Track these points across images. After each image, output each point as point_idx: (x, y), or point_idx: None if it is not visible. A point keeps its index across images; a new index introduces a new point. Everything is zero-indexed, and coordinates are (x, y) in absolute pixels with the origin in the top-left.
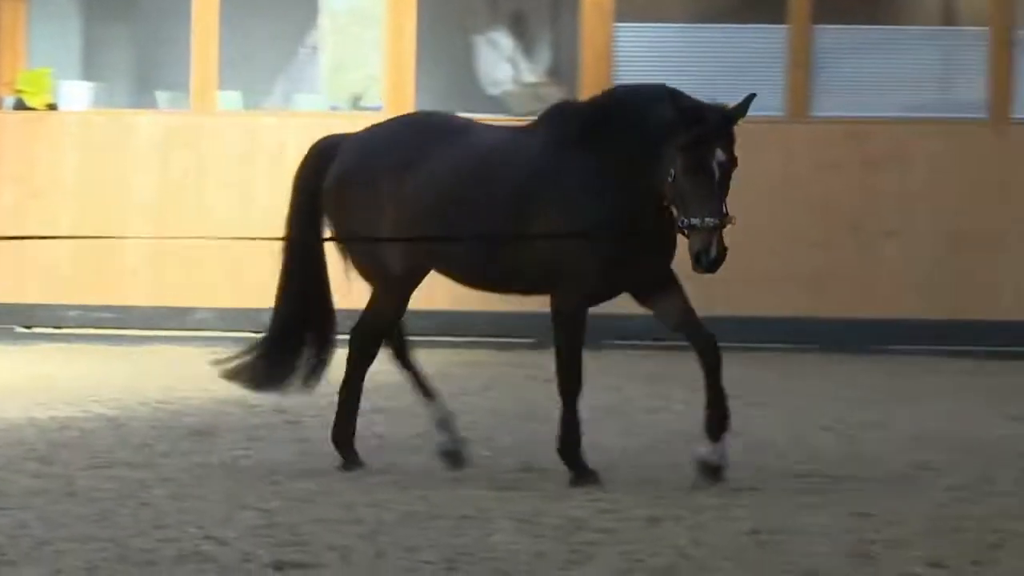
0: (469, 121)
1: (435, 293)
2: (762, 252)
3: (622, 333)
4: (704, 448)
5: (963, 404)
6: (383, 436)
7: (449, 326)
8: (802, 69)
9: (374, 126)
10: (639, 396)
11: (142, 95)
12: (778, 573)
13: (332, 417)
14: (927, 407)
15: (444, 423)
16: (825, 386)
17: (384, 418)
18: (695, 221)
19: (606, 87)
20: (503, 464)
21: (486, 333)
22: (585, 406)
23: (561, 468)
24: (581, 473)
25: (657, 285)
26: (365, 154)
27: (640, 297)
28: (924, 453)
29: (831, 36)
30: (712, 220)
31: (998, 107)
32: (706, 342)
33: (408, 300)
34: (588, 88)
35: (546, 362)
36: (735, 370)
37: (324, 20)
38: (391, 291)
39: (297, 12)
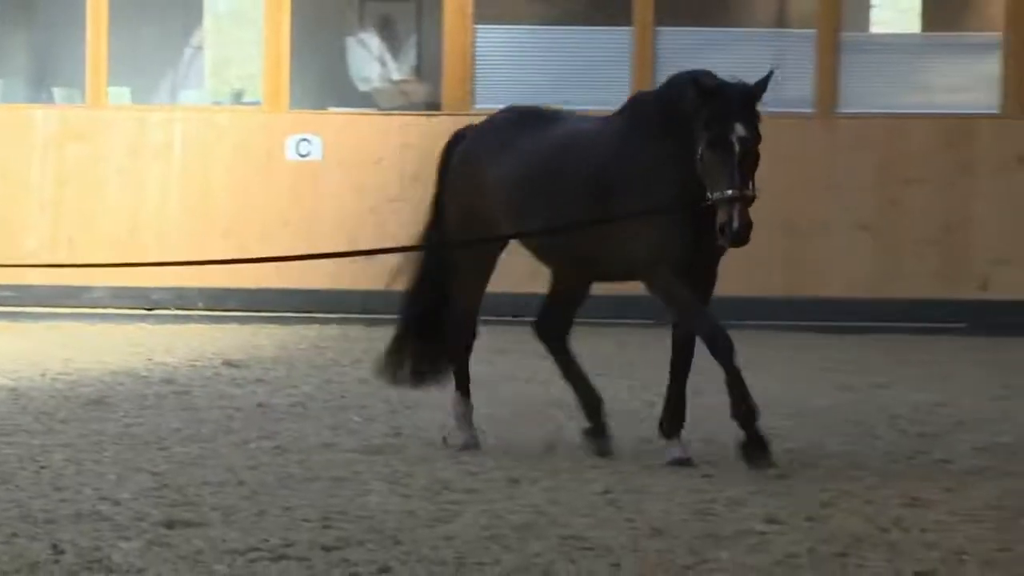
0: (565, 112)
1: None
2: None
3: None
4: (673, 449)
5: (797, 374)
6: (264, 405)
7: (325, 303)
8: (646, 68)
9: (490, 117)
10: (502, 367)
11: (40, 91)
12: (627, 529)
13: (218, 387)
14: (765, 377)
15: (464, 419)
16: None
17: (264, 388)
18: (716, 194)
19: (465, 84)
20: (374, 430)
21: (359, 310)
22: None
23: (426, 434)
24: (756, 442)
25: (703, 268)
26: (473, 141)
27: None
28: (762, 419)
29: (672, 37)
30: (733, 192)
31: (824, 103)
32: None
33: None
34: (450, 85)
35: None
36: (590, 344)
37: (207, 21)
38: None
39: (182, 14)
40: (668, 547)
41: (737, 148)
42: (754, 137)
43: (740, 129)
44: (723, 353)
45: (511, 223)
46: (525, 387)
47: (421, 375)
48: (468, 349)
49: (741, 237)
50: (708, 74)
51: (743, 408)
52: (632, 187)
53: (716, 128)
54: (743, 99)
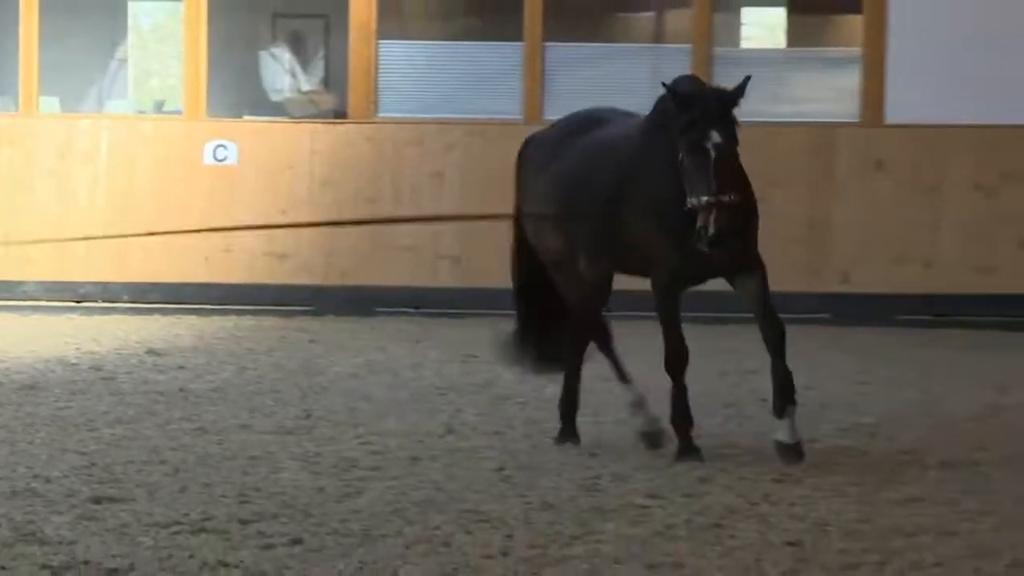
0: (616, 115)
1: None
2: None
3: (388, 302)
4: (780, 431)
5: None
6: (185, 389)
7: (241, 297)
8: (535, 80)
9: (555, 122)
10: (403, 355)
11: None
12: (519, 504)
13: (142, 374)
14: (651, 364)
15: (639, 405)
16: None
17: (185, 374)
18: (694, 200)
19: (369, 95)
20: (287, 412)
21: (272, 303)
22: (358, 363)
23: (334, 416)
24: (687, 448)
25: (738, 268)
26: (529, 147)
27: (728, 279)
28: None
29: (559, 52)
30: (709, 198)
31: None
32: (771, 328)
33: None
34: (355, 95)
35: (321, 327)
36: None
37: (132, 36)
38: (555, 271)
39: (109, 29)
40: (557, 519)
41: (713, 154)
42: (729, 143)
43: (716, 136)
44: (675, 369)
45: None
46: (418, 373)
47: (546, 363)
48: (602, 340)
49: (718, 242)
50: (692, 80)
51: (679, 418)
52: (639, 184)
53: (693, 135)
54: (719, 106)
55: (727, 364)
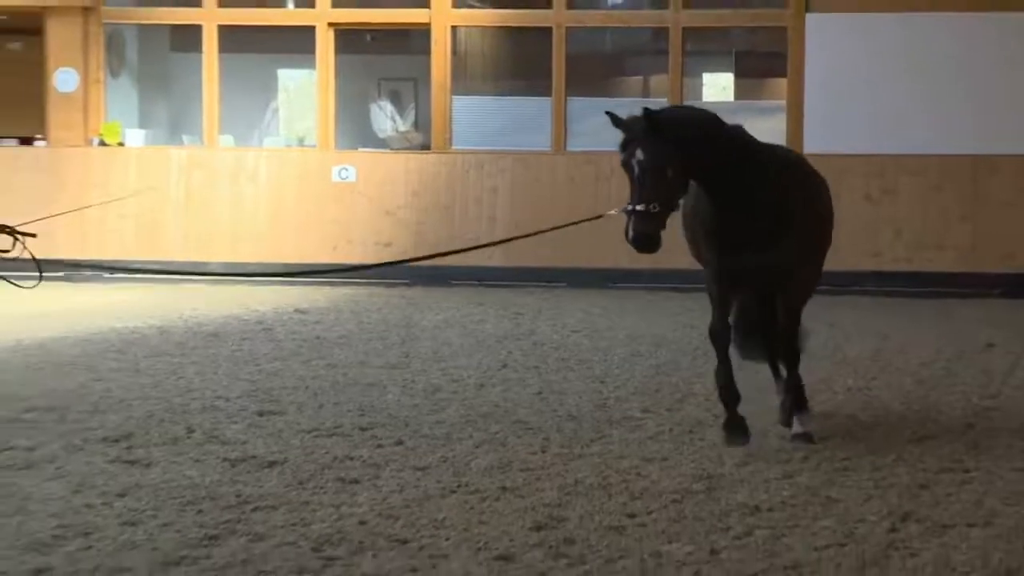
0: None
1: (352, 253)
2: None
3: (461, 276)
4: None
5: (652, 319)
6: (320, 337)
7: (358, 273)
8: (560, 123)
9: None
10: (471, 313)
11: (173, 138)
12: (552, 417)
13: (292, 326)
14: (634, 320)
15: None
16: (579, 305)
17: (321, 326)
18: (626, 207)
19: (445, 133)
20: (391, 353)
21: (380, 277)
22: (440, 319)
23: (425, 355)
24: (731, 423)
25: (772, 273)
26: None
27: (767, 285)
28: (635, 345)
29: (577, 103)
30: (628, 207)
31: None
32: (785, 347)
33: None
34: (436, 134)
35: (414, 294)
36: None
37: (281, 93)
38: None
39: (266, 87)
40: (579, 427)
41: (636, 170)
42: (647, 159)
43: (639, 154)
44: (713, 343)
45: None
46: (484, 326)
47: (758, 355)
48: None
49: (637, 244)
50: (676, 107)
51: (722, 393)
52: (696, 200)
53: (623, 154)
54: (644, 129)
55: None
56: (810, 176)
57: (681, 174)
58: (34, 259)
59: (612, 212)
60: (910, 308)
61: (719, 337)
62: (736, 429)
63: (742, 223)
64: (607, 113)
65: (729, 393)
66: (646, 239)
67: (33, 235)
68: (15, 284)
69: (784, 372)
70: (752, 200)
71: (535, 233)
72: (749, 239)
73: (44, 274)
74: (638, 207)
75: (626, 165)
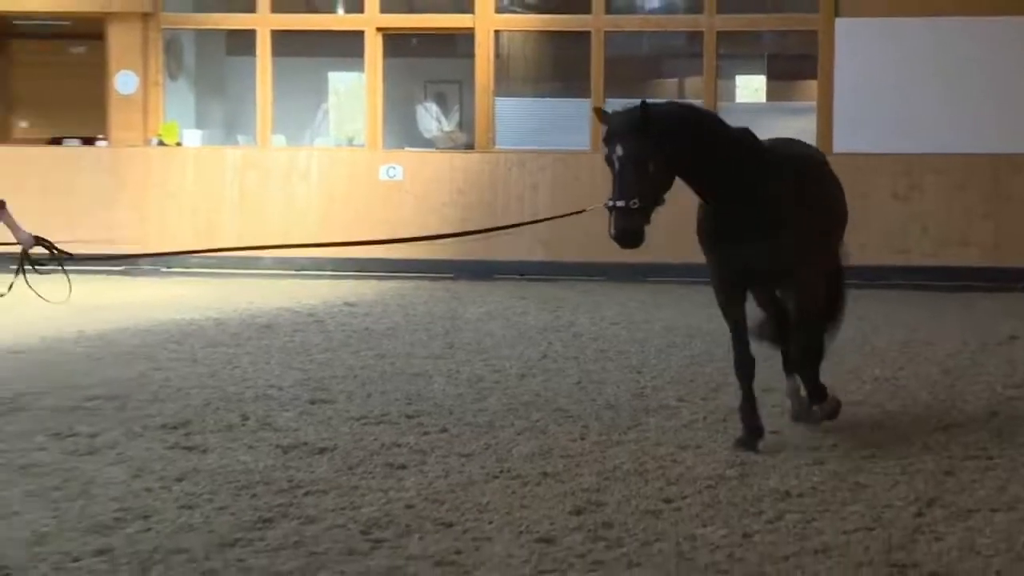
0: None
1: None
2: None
3: (503, 271)
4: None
5: (687, 311)
6: (369, 328)
7: (405, 267)
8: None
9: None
10: (513, 306)
11: (228, 138)
12: (592, 404)
13: (341, 318)
14: (670, 312)
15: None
16: (616, 298)
17: (369, 318)
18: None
19: (489, 133)
20: (436, 343)
21: (426, 272)
22: (483, 312)
23: (468, 346)
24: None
25: (773, 272)
26: None
27: (771, 283)
28: (671, 337)
29: (614, 105)
30: (608, 202)
31: None
32: (794, 343)
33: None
34: (480, 134)
35: (458, 288)
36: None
37: (331, 95)
38: None
39: (316, 90)
40: (617, 415)
41: (617, 165)
42: (628, 154)
43: (619, 149)
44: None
45: None
46: (526, 318)
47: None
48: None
49: (620, 240)
50: (673, 103)
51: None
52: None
53: (606, 149)
54: (625, 125)
55: None
56: (818, 175)
57: (665, 170)
58: (64, 271)
59: (591, 207)
60: (936, 302)
61: (742, 367)
62: (749, 441)
63: (738, 224)
64: (595, 109)
65: (752, 424)
66: (628, 235)
67: (70, 255)
68: (42, 297)
69: (797, 372)
70: (749, 201)
71: (498, 228)
72: (745, 240)
73: (110, 268)
74: (619, 203)
75: (608, 160)
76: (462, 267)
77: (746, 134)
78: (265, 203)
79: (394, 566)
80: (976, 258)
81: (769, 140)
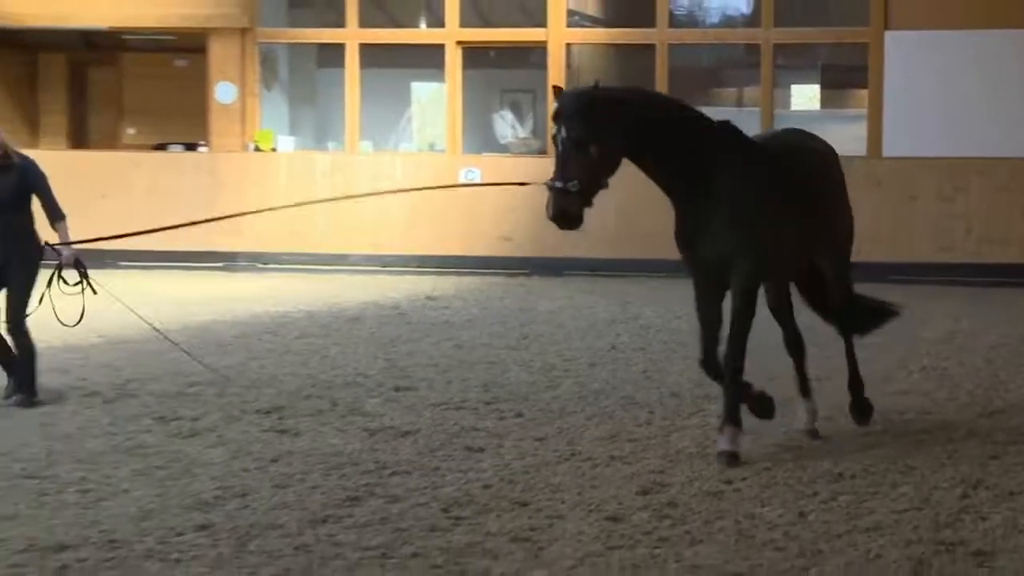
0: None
1: (477, 246)
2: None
3: (573, 267)
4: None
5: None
6: (449, 321)
7: (483, 265)
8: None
9: None
10: (582, 300)
11: (319, 144)
12: (656, 392)
13: (423, 311)
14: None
15: (811, 413)
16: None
17: (449, 311)
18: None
19: None
20: (511, 334)
21: (502, 268)
22: (554, 305)
23: (543, 338)
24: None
25: (721, 259)
26: None
27: (724, 269)
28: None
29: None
30: (548, 182)
31: None
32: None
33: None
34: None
35: (532, 283)
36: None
37: (415, 105)
38: None
39: (400, 99)
40: (680, 403)
41: (560, 147)
42: (571, 136)
43: (563, 131)
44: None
45: None
46: (595, 310)
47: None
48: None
49: (557, 221)
50: (596, 84)
51: (753, 401)
52: None
53: (554, 130)
54: (572, 105)
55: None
56: (817, 168)
57: (608, 154)
58: (83, 295)
59: (532, 183)
60: (978, 296)
61: (707, 367)
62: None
63: (701, 216)
64: (554, 87)
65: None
66: (563, 217)
67: (92, 288)
68: (60, 321)
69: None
70: (710, 195)
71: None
72: (705, 231)
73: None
74: (557, 184)
75: (553, 140)
76: (536, 264)
77: (724, 126)
78: (353, 203)
79: (473, 542)
80: (1017, 256)
81: (771, 131)
